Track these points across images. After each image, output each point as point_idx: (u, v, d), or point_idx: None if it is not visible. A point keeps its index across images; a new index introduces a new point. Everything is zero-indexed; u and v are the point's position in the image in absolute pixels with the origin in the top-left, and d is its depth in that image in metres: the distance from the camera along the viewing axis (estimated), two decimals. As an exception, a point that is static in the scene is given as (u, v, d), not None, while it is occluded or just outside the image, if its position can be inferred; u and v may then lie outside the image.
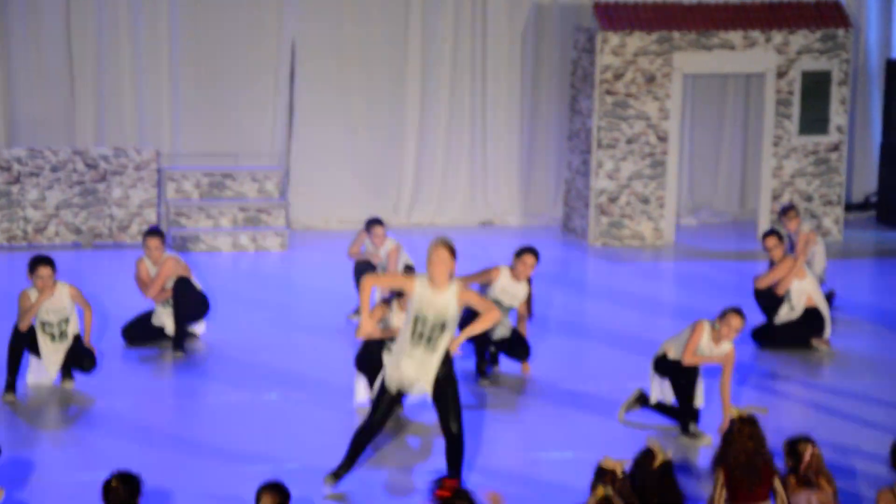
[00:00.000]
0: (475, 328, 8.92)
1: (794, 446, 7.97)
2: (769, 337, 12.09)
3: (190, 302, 11.70)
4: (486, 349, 11.12)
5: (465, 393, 10.79)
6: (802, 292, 12.07)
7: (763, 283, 12.22)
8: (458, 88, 16.58)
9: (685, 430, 9.97)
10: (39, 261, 10.60)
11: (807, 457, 7.90)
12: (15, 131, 15.71)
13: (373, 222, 12.79)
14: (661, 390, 10.16)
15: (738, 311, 9.95)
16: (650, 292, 14.00)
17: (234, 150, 16.22)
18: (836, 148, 16.11)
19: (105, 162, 15.28)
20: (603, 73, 15.57)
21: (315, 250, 15.31)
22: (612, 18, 15.58)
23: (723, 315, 9.96)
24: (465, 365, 11.29)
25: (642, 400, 10.27)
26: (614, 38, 15.53)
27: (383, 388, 8.77)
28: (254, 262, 15.07)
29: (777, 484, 7.87)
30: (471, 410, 10.51)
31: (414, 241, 15.43)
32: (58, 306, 10.65)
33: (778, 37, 15.77)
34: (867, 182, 17.59)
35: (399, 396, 8.90)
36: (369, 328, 8.88)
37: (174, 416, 10.25)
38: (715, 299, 12.74)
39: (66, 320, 10.69)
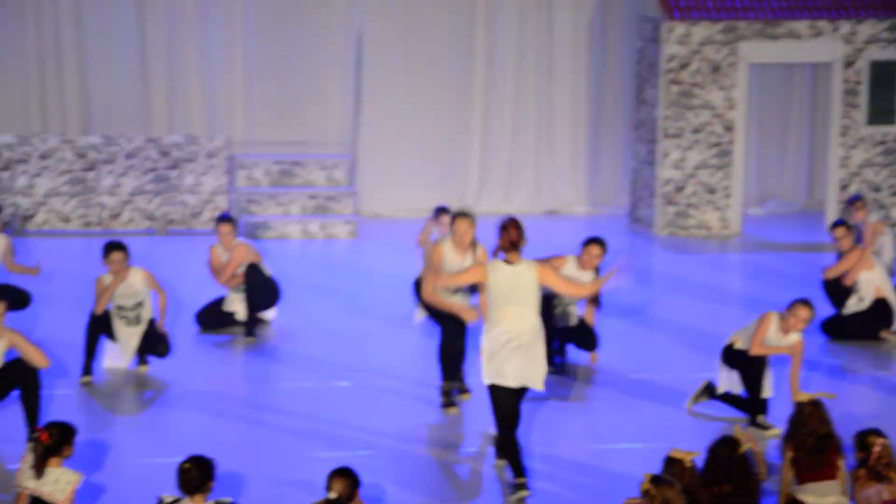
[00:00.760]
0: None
1: (864, 439, 8.00)
2: (838, 328, 12.08)
3: (261, 288, 11.85)
4: (553, 339, 11.19)
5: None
6: (871, 283, 12.05)
7: (831, 274, 12.20)
8: (525, 78, 16.62)
9: (753, 421, 10.00)
10: (112, 246, 10.80)
11: (877, 449, 7.93)
12: (90, 120, 15.96)
13: (441, 210, 12.86)
14: (730, 381, 10.19)
15: (806, 303, 9.96)
16: (717, 282, 14.01)
17: (304, 138, 16.38)
18: (904, 138, 16.02)
19: (178, 149, 15.49)
20: (668, 62, 15.57)
21: (383, 238, 15.42)
22: (678, 8, 15.56)
23: (791, 306, 9.97)
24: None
25: (710, 391, 10.31)
26: (680, 28, 15.52)
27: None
28: (323, 249, 15.22)
29: (841, 465, 7.94)
30: (538, 400, 10.60)
31: (481, 229, 15.51)
32: (131, 291, 10.83)
33: (845, 26, 15.68)
34: (936, 172, 17.46)
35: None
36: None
37: (246, 401, 10.38)
38: (782, 290, 12.75)
39: (141, 304, 10.87)
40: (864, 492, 7.87)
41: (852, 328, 12.05)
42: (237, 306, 11.89)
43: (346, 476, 7.28)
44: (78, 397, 10.38)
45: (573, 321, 11.25)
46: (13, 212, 15.12)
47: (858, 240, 12.69)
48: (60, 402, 10.12)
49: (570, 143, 16.85)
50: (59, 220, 15.35)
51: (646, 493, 6.95)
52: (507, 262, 8.76)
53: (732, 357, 10.13)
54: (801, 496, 7.98)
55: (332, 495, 7.20)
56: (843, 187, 15.90)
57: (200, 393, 10.48)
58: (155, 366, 11.03)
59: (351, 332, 12.08)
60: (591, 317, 11.34)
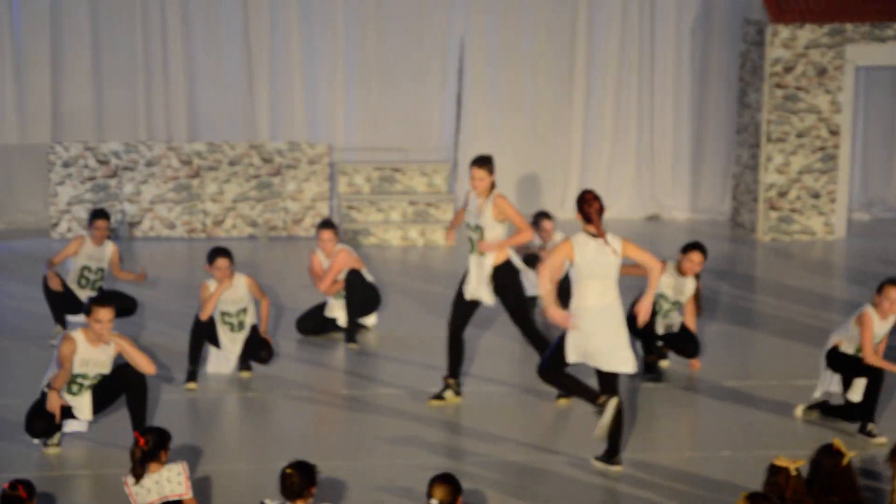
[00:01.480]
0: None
1: None
2: None
3: (362, 294, 11.92)
4: (653, 344, 11.14)
5: (633, 388, 10.84)
6: None
7: None
8: (625, 82, 16.56)
9: (864, 429, 9.84)
10: (218, 252, 10.92)
11: None
12: (195, 126, 16.19)
13: (541, 216, 12.89)
14: (831, 384, 10.04)
15: (894, 282, 9.80)
16: (821, 289, 13.83)
17: (404, 143, 16.47)
18: None
19: (280, 156, 15.65)
20: (773, 66, 15.41)
21: (483, 244, 15.41)
22: (783, 11, 15.40)
23: (881, 290, 9.81)
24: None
25: (823, 409, 10.15)
26: (785, 31, 15.35)
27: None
28: (423, 255, 15.28)
29: None
30: (639, 407, 10.55)
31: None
32: (236, 297, 10.95)
33: (955, 28, 15.43)
34: None
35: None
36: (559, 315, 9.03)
37: (347, 407, 10.43)
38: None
39: (244, 310, 10.99)
40: None
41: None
42: (338, 312, 11.98)
43: (447, 483, 7.29)
44: (183, 403, 10.52)
45: (674, 327, 11.19)
46: (120, 219, 15.39)
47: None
48: (166, 408, 10.27)
49: (671, 147, 16.75)
50: (165, 227, 15.58)
51: None
52: (592, 234, 8.94)
53: (839, 361, 9.96)
54: None
55: (434, 502, 7.22)
56: (952, 191, 15.64)
57: (302, 399, 10.57)
58: (257, 371, 11.14)
59: (488, 342, 12.07)
60: (692, 323, 11.27)
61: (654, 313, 11.03)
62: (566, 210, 16.55)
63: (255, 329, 11.06)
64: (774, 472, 7.49)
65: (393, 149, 16.42)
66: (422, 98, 16.40)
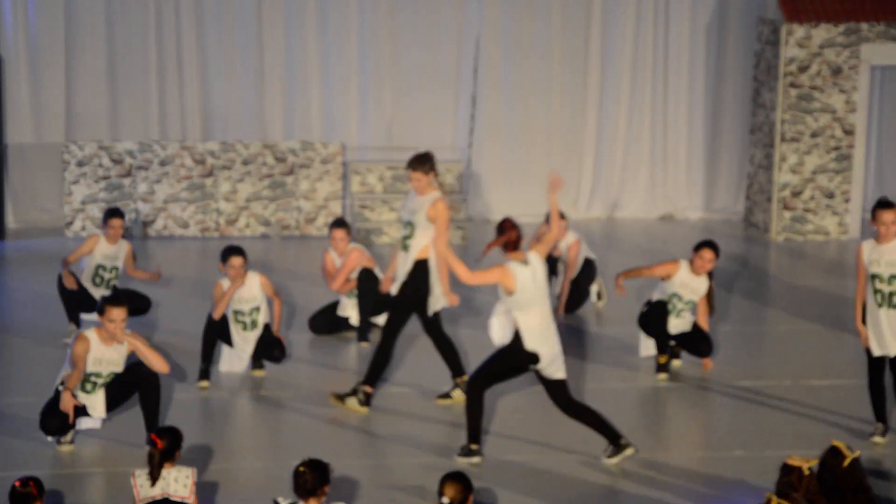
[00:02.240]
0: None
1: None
2: None
3: (374, 293, 11.93)
4: (666, 344, 11.13)
5: (646, 388, 10.84)
6: None
7: None
8: (640, 82, 16.55)
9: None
10: (232, 251, 10.93)
11: None
12: (210, 126, 16.23)
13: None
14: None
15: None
16: (834, 288, 13.80)
17: (416, 143, 16.47)
18: None
19: (293, 155, 15.68)
20: (787, 65, 15.39)
21: (496, 243, 15.41)
22: (798, 10, 15.37)
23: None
24: (646, 362, 11.34)
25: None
26: (800, 31, 15.33)
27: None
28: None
29: None
30: (649, 405, 10.55)
31: (593, 235, 15.50)
32: (249, 295, 10.97)
33: (970, 27, 15.39)
34: None
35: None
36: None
37: (365, 410, 10.45)
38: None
39: (257, 309, 11.00)
40: None
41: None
42: (350, 311, 11.99)
43: (459, 481, 7.29)
44: (195, 401, 10.54)
45: (687, 326, 11.18)
46: (134, 217, 15.43)
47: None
48: (178, 406, 10.29)
49: (685, 147, 16.73)
50: (178, 226, 15.62)
51: None
52: (520, 261, 9.06)
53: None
54: None
55: (445, 500, 7.22)
56: (967, 191, 15.59)
57: (315, 397, 10.58)
58: (270, 370, 11.16)
59: (463, 337, 12.10)
60: (704, 322, 11.26)
61: (667, 312, 11.04)
62: (579, 210, 16.56)
63: (267, 328, 11.08)
64: (787, 471, 7.48)
65: (406, 148, 16.43)
66: (435, 97, 16.41)
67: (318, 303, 12.30)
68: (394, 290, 10.24)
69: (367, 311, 11.91)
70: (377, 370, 10.24)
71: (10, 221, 15.83)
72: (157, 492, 7.67)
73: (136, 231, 15.43)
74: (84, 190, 15.43)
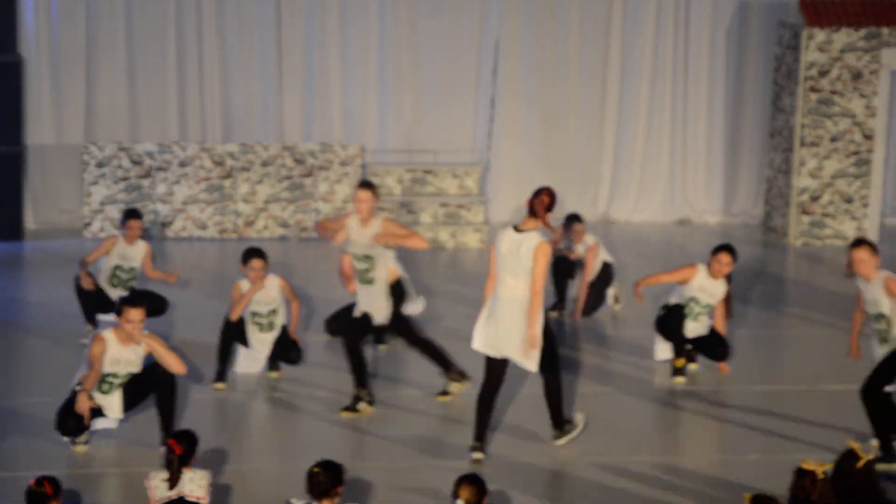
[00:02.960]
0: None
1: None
2: None
3: (393, 295, 11.91)
4: (682, 347, 11.12)
5: (662, 391, 10.83)
6: None
7: None
8: (659, 85, 16.54)
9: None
10: (253, 253, 10.94)
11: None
12: (229, 127, 16.27)
13: (572, 218, 12.88)
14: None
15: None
16: (852, 293, 13.73)
17: (436, 145, 16.50)
18: None
19: (312, 157, 15.71)
20: (808, 69, 15.36)
21: (514, 246, 15.41)
22: (819, 14, 15.34)
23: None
24: (662, 365, 11.33)
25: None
26: (820, 35, 15.29)
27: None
28: (453, 257, 15.30)
29: None
30: (665, 408, 10.54)
31: (611, 238, 15.49)
32: (268, 297, 10.99)
33: None
34: None
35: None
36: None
37: (375, 409, 10.47)
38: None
39: (275, 311, 11.02)
40: None
41: None
42: (368, 313, 11.98)
43: (473, 483, 7.30)
44: (211, 402, 10.57)
45: (704, 330, 11.17)
46: (153, 219, 15.48)
47: None
48: (194, 408, 10.32)
49: (704, 151, 16.71)
50: (196, 227, 15.66)
51: None
52: (517, 228, 9.14)
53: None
54: None
55: (460, 503, 7.22)
56: None
57: (330, 399, 10.60)
58: (286, 372, 11.19)
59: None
60: (721, 326, 11.24)
61: (684, 316, 11.03)
62: (597, 213, 16.55)
63: (284, 330, 11.10)
64: (801, 475, 7.46)
65: (425, 151, 16.46)
66: (455, 100, 16.43)
67: (336, 305, 12.32)
68: (380, 320, 10.27)
69: (384, 313, 11.90)
70: (361, 373, 10.23)
71: (30, 222, 15.90)
72: (172, 492, 7.70)
73: (155, 232, 15.48)
74: (103, 191, 15.50)
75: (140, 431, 9.75)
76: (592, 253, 12.72)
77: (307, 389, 10.84)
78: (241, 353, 11.11)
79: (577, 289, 12.77)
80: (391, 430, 10.00)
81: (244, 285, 10.95)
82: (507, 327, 9.09)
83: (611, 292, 12.91)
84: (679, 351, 11.11)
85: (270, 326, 11.04)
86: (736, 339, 11.95)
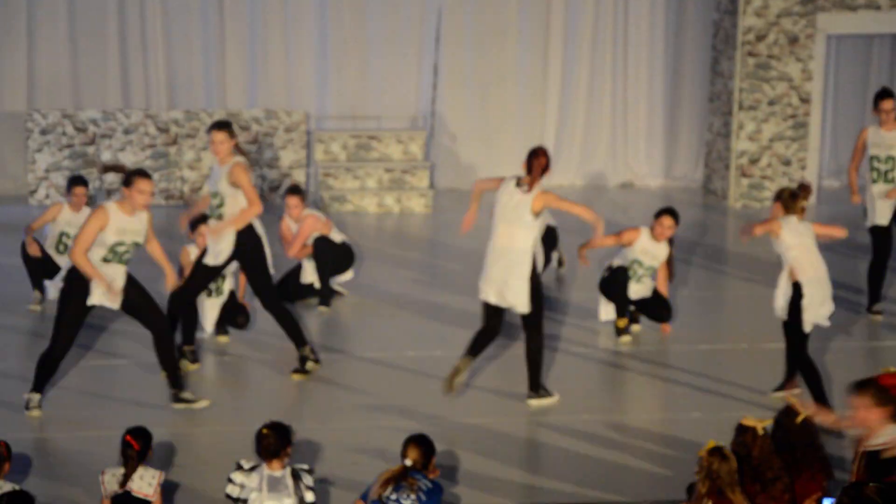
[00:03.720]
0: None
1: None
2: None
3: (331, 257, 11.97)
4: (626, 308, 11.28)
5: (606, 351, 10.99)
6: None
7: None
8: (600, 51, 16.65)
9: None
10: (201, 220, 10.97)
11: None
12: (174, 94, 16.21)
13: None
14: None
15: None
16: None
17: (380, 112, 16.54)
18: (984, 109, 15.83)
19: (257, 124, 15.72)
20: (745, 34, 15.53)
21: (458, 211, 15.48)
22: (756, -21, 15.49)
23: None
24: (606, 326, 11.49)
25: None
26: (757, 0, 15.46)
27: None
28: (399, 222, 15.37)
29: None
30: (610, 368, 10.70)
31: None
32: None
33: (925, -3, 15.56)
34: None
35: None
36: None
37: (322, 371, 10.53)
38: (858, 262, 12.73)
39: (223, 277, 11.07)
40: None
41: None
42: (313, 277, 12.07)
43: (421, 444, 7.35)
44: (159, 366, 10.59)
45: (647, 292, 11.33)
46: (99, 185, 15.44)
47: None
48: (143, 371, 10.34)
49: (644, 115, 16.87)
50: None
51: (699, 461, 7.08)
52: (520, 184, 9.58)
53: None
54: None
55: (408, 462, 7.28)
56: (921, 159, 15.76)
57: (278, 363, 10.65)
58: (234, 336, 11.24)
59: (426, 304, 12.22)
60: (664, 288, 11.42)
61: (627, 278, 11.19)
62: (541, 177, 16.65)
63: (232, 295, 11.15)
64: (742, 431, 7.63)
65: (369, 117, 16.49)
66: (399, 66, 16.46)
67: (280, 270, 12.36)
68: (213, 260, 10.05)
69: (326, 275, 11.98)
70: (297, 332, 10.28)
71: (-26, 190, 15.82)
72: (122, 489, 7.66)
73: (101, 199, 15.44)
74: (48, 158, 15.44)
75: (91, 396, 9.76)
76: (536, 216, 12.81)
77: (255, 353, 10.90)
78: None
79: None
80: (340, 394, 10.07)
81: (192, 250, 10.99)
82: (502, 276, 9.54)
83: (555, 255, 13.04)
84: (622, 312, 11.26)
85: (218, 291, 11.08)
86: (678, 301, 12.13)
